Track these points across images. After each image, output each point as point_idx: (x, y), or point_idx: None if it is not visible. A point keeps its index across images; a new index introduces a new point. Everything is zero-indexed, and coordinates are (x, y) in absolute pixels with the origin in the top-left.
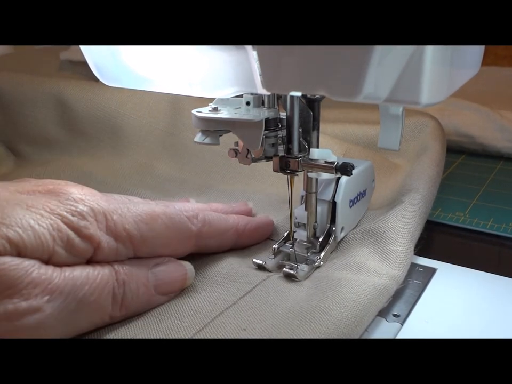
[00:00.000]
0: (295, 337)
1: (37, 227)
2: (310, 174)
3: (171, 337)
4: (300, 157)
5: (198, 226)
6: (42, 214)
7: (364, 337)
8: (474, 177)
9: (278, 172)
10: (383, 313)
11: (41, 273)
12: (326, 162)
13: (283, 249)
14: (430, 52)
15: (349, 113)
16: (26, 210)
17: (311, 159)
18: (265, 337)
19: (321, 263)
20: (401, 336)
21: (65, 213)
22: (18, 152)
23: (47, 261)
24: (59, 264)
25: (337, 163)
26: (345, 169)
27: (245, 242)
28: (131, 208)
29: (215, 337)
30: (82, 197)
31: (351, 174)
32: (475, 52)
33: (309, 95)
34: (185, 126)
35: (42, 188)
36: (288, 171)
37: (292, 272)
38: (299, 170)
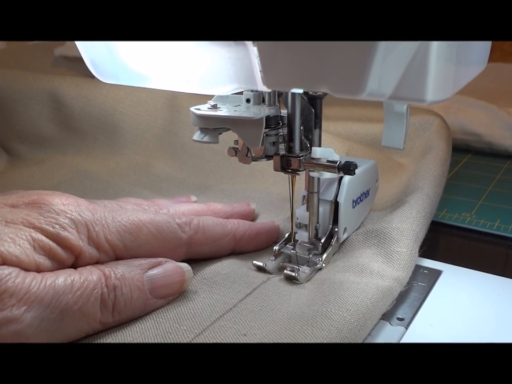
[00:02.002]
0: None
1: (16, 238)
2: (312, 174)
3: (169, 341)
4: (302, 156)
5: (190, 234)
6: (21, 228)
7: (367, 341)
8: (481, 177)
9: (278, 171)
10: (386, 316)
11: (17, 282)
12: (328, 161)
13: (284, 251)
14: (436, 48)
15: (352, 111)
16: (5, 226)
17: (313, 158)
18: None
19: (323, 265)
20: (405, 340)
21: (45, 226)
22: (12, 150)
23: (31, 270)
24: (44, 271)
25: (340, 162)
26: (348, 168)
27: (243, 249)
28: (116, 217)
29: (215, 342)
30: (64, 208)
31: (354, 174)
32: (481, 48)
33: (310, 92)
34: (184, 124)
35: (27, 199)
36: (289, 170)
37: (293, 274)
38: (300, 169)
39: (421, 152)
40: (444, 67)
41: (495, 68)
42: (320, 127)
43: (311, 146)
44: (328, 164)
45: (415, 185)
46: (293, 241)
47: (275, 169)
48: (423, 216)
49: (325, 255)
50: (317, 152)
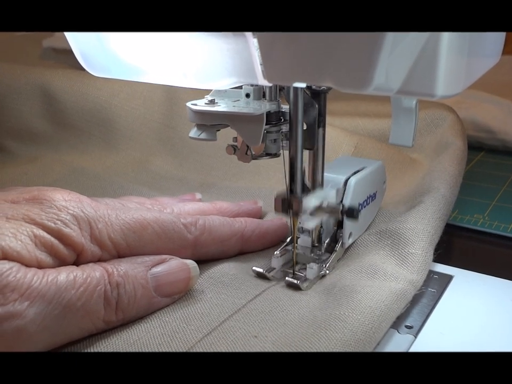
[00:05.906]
0: (310, 346)
1: (18, 234)
2: (308, 225)
3: (176, 341)
4: (303, 198)
5: (196, 235)
6: (22, 224)
7: (374, 350)
8: (494, 176)
9: (280, 212)
10: (394, 324)
11: (18, 277)
12: (329, 205)
13: (288, 248)
14: (446, 39)
15: (358, 106)
16: (6, 222)
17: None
18: (278, 347)
19: (327, 271)
20: (414, 349)
21: (46, 222)
22: (3, 147)
23: (33, 266)
24: (45, 268)
25: (343, 207)
26: (351, 213)
27: (251, 248)
28: (120, 215)
29: (224, 343)
30: (66, 204)
31: (358, 217)
32: (495, 40)
33: (314, 87)
34: (183, 118)
35: (27, 195)
36: (291, 212)
37: (295, 282)
38: (303, 212)
39: (433, 149)
40: (455, 60)
41: (510, 60)
42: (324, 126)
43: (314, 182)
44: (332, 209)
45: (430, 184)
46: (294, 246)
47: (276, 211)
48: (438, 217)
49: (329, 262)
50: (311, 201)
